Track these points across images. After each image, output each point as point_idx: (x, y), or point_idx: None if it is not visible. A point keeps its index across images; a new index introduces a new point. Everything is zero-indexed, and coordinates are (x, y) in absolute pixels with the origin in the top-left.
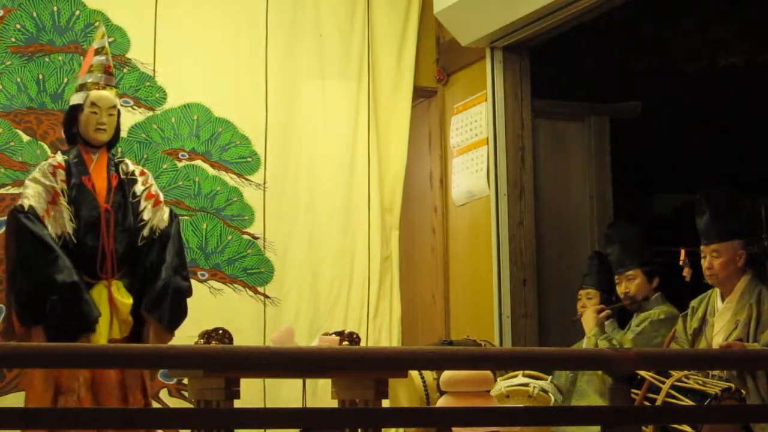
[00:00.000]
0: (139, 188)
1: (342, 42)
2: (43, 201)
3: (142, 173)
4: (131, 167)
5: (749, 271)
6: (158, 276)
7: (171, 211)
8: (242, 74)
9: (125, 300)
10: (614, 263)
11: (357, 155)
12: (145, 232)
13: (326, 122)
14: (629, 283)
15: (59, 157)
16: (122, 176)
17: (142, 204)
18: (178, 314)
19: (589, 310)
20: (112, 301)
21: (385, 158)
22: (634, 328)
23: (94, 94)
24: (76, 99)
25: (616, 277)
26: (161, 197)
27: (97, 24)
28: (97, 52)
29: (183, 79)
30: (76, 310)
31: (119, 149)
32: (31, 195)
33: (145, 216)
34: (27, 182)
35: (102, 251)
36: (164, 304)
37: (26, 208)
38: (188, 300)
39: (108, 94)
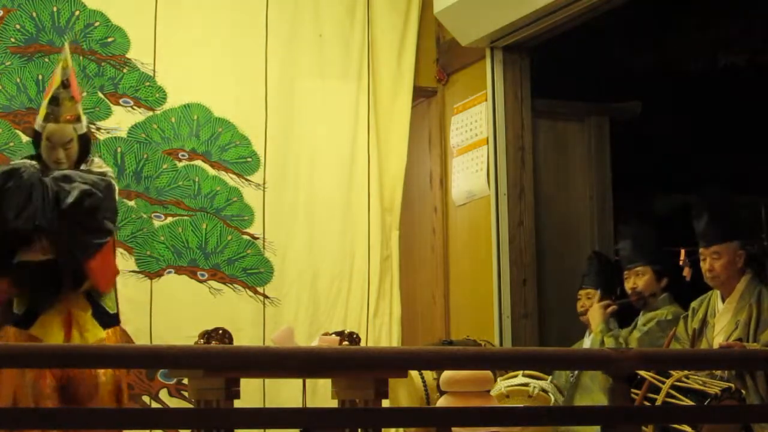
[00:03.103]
0: None
1: (342, 42)
2: None
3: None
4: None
5: (749, 272)
6: None
7: None
8: (242, 74)
9: (82, 310)
10: (624, 259)
11: (357, 155)
12: None
13: (326, 122)
14: (637, 279)
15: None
16: None
17: None
18: None
19: (596, 305)
20: (68, 313)
21: (385, 158)
22: (641, 327)
23: (49, 128)
24: (37, 124)
25: (624, 272)
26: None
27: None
28: (64, 84)
29: (183, 79)
30: None
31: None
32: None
33: None
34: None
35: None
36: None
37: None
38: (188, 300)
39: (62, 129)
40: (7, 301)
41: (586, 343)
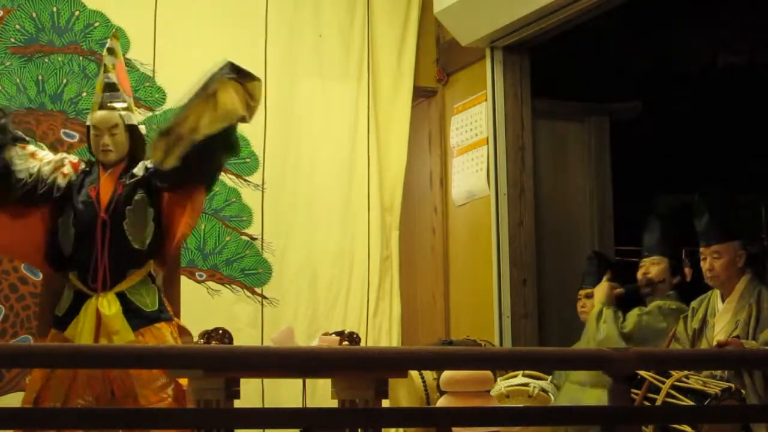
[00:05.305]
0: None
1: (342, 42)
2: (49, 166)
3: None
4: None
5: (749, 271)
6: None
7: None
8: None
9: (109, 312)
10: (645, 248)
11: (357, 155)
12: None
13: (326, 122)
14: (651, 266)
15: (81, 165)
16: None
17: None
18: None
19: (604, 282)
20: (98, 315)
21: (385, 158)
22: (642, 308)
23: (93, 116)
24: (87, 120)
25: (641, 261)
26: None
27: (113, 33)
28: (105, 68)
29: (183, 80)
30: None
31: None
32: (46, 155)
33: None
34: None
35: (95, 263)
36: None
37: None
38: (187, 301)
39: (106, 114)
40: (53, 296)
41: (591, 315)
